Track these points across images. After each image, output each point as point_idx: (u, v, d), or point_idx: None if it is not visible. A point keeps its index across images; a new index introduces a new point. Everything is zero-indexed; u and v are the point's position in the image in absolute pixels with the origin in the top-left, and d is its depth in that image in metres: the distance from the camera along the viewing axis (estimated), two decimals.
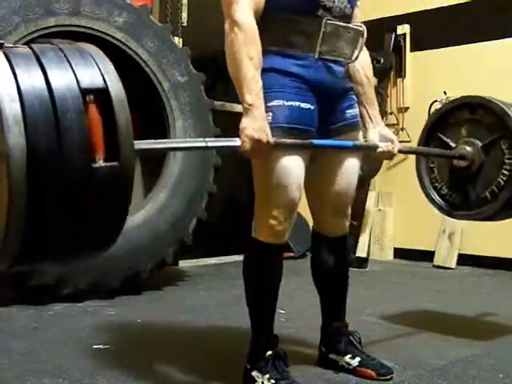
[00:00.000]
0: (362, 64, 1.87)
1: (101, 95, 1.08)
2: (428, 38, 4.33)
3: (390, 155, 1.85)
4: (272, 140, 1.56)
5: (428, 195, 2.34)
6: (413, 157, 4.30)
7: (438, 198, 2.32)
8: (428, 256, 4.24)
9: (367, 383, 1.85)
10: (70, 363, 1.97)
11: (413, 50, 4.44)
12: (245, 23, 1.58)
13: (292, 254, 4.25)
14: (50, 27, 2.83)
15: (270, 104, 1.64)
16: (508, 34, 3.93)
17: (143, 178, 3.58)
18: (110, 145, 1.08)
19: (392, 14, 4.42)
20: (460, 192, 2.27)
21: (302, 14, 1.67)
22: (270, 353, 1.73)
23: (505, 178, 2.15)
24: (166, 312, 2.75)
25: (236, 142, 1.54)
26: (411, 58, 4.43)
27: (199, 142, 1.54)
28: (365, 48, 1.84)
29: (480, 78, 4.03)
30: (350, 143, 1.78)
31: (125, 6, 3.07)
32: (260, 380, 1.71)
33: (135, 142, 1.18)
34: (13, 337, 2.27)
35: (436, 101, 4.15)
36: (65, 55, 1.11)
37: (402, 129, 4.38)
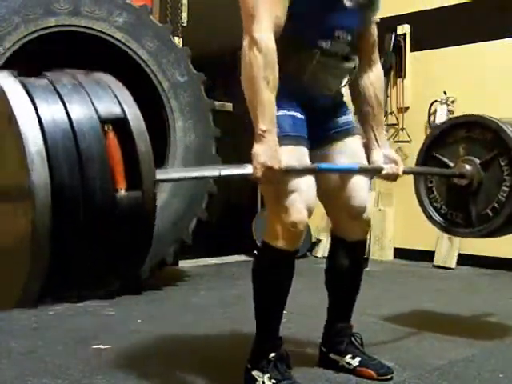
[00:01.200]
0: (374, 85, 1.88)
1: (120, 124, 1.07)
2: (428, 38, 4.33)
3: (394, 177, 1.85)
4: (283, 166, 1.56)
5: (429, 216, 2.35)
6: (413, 158, 4.31)
7: (438, 217, 2.33)
8: (428, 256, 4.24)
9: (367, 383, 1.85)
10: (70, 363, 1.97)
11: (413, 49, 4.44)
12: (265, 45, 1.55)
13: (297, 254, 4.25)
14: (50, 27, 2.83)
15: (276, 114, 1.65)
16: (508, 34, 3.93)
17: None
18: (131, 174, 1.07)
19: (392, 14, 4.42)
20: (461, 210, 2.29)
21: (302, 44, 1.69)
22: (273, 355, 1.73)
23: (505, 195, 2.17)
24: (166, 312, 2.75)
25: (248, 168, 1.54)
26: (411, 58, 4.43)
27: (213, 171, 1.54)
28: (380, 68, 1.89)
29: (480, 77, 4.04)
30: (355, 166, 1.79)
31: (125, 6, 3.07)
32: (261, 380, 1.71)
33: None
34: (13, 337, 2.27)
35: (436, 101, 4.16)
36: (82, 86, 1.10)
37: (402, 129, 4.38)
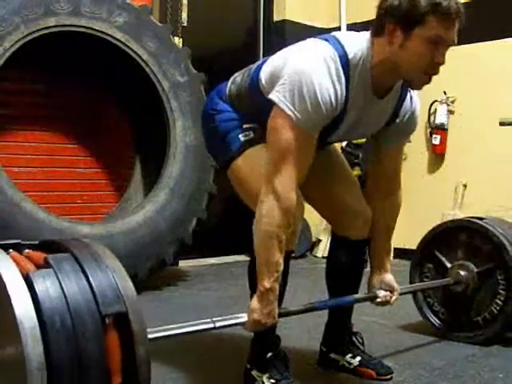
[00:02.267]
0: (388, 216, 1.89)
1: (120, 318, 1.07)
2: None
3: (386, 304, 1.89)
4: (277, 319, 1.59)
5: (427, 318, 2.40)
6: (413, 158, 4.31)
7: (431, 314, 2.40)
8: None
9: (367, 383, 1.85)
10: None
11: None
12: (287, 201, 1.51)
13: (292, 254, 4.25)
14: (50, 27, 2.83)
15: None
16: (508, 34, 3.92)
17: (143, 178, 3.59)
18: (127, 368, 1.06)
19: None
20: (452, 312, 2.33)
21: None
22: (271, 354, 1.73)
23: (498, 308, 2.21)
24: (166, 312, 2.75)
25: (243, 318, 1.58)
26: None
27: (207, 324, 1.54)
28: (398, 198, 1.89)
29: (480, 77, 4.03)
30: (350, 299, 1.85)
31: (125, 6, 3.07)
32: (260, 379, 1.72)
33: (149, 330, 1.18)
34: None
35: (436, 101, 4.15)
36: (83, 271, 1.09)
37: None
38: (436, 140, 4.16)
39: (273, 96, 1.52)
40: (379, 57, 1.55)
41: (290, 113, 1.49)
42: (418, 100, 1.77)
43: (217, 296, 3.14)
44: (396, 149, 1.83)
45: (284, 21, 4.58)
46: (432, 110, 4.21)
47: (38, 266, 1.10)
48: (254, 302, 1.56)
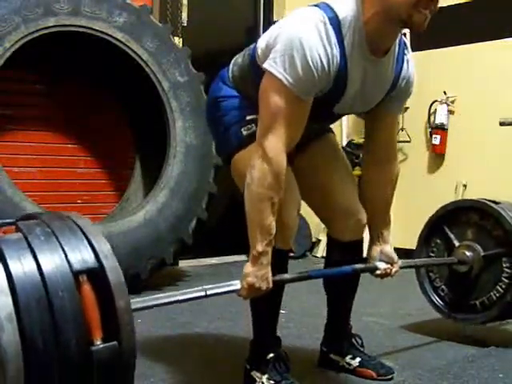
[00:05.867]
0: (385, 185, 1.86)
1: (94, 274, 1.06)
2: (428, 37, 4.33)
3: (386, 276, 1.88)
4: (271, 284, 1.57)
5: (430, 301, 2.39)
6: (413, 158, 4.31)
7: (432, 291, 2.39)
8: None
9: (367, 383, 1.85)
10: None
11: (413, 50, 4.43)
12: (278, 164, 1.51)
13: (292, 254, 4.25)
14: (50, 27, 2.83)
15: None
16: (508, 34, 3.92)
17: (143, 178, 3.59)
18: (108, 323, 1.05)
19: None
20: (453, 291, 2.33)
21: None
22: (271, 355, 1.73)
23: (498, 295, 2.19)
24: (166, 312, 2.75)
25: (236, 286, 1.57)
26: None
27: (198, 292, 1.52)
28: (395, 167, 1.86)
29: (480, 78, 4.03)
30: (348, 269, 1.80)
31: (125, 6, 3.07)
32: (260, 380, 1.71)
33: (132, 301, 1.16)
34: None
35: (436, 101, 4.15)
36: (56, 236, 1.08)
37: (402, 129, 4.37)
38: (436, 140, 4.16)
39: (265, 64, 1.54)
40: (370, 11, 1.55)
41: (280, 76, 1.50)
42: (413, 64, 1.78)
43: (216, 296, 3.13)
44: (393, 115, 1.83)
45: None
46: (432, 110, 4.21)
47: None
48: (248, 267, 1.55)
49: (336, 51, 1.52)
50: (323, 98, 1.59)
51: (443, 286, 2.35)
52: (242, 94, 1.74)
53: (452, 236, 2.32)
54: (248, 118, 1.68)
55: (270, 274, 1.56)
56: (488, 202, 2.27)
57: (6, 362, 0.97)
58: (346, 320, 1.98)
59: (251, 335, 1.79)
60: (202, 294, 1.51)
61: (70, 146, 3.53)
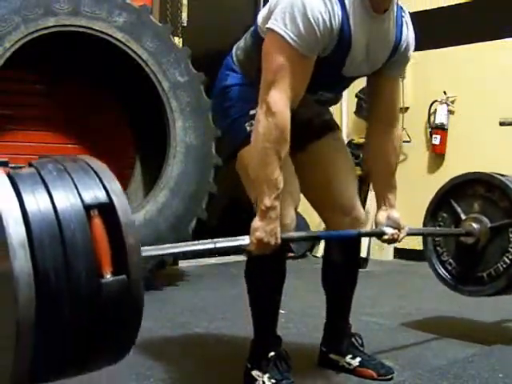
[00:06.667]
0: (388, 151, 1.86)
1: (105, 209, 1.07)
2: (428, 37, 4.33)
3: (394, 241, 1.85)
4: (280, 240, 1.56)
5: (437, 273, 2.39)
6: (413, 158, 4.31)
7: (438, 264, 2.37)
8: None
9: (367, 383, 1.85)
10: None
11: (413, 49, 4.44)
12: (282, 118, 1.52)
13: (292, 254, 4.25)
14: (50, 27, 2.83)
15: None
16: (508, 33, 3.93)
17: (143, 178, 3.59)
18: (117, 258, 1.07)
19: None
20: (460, 264, 2.32)
21: None
22: (272, 354, 1.73)
23: (505, 266, 2.18)
24: (166, 312, 2.75)
25: (245, 240, 1.56)
26: (411, 58, 4.43)
27: (208, 244, 1.51)
28: (397, 133, 1.86)
29: (480, 77, 4.04)
30: (354, 232, 1.79)
31: (125, 6, 3.07)
32: (260, 379, 1.71)
33: (142, 248, 1.18)
34: None
35: (436, 101, 4.15)
36: (68, 173, 1.10)
37: (402, 129, 4.38)
38: (436, 140, 4.17)
39: (267, 25, 1.55)
40: None
41: (281, 32, 1.51)
42: (411, 26, 1.79)
43: (217, 296, 3.14)
44: (395, 77, 1.84)
45: None
46: (432, 110, 4.22)
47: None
48: (256, 221, 1.55)
49: (337, 8, 1.54)
50: (330, 58, 1.60)
51: (450, 260, 2.34)
52: (247, 80, 1.73)
53: (459, 209, 2.30)
54: (251, 112, 1.67)
55: (278, 229, 1.56)
56: (495, 174, 2.27)
57: (17, 290, 0.97)
58: (345, 319, 1.98)
59: (251, 335, 1.79)
60: (212, 246, 1.51)
61: (70, 145, 3.52)
